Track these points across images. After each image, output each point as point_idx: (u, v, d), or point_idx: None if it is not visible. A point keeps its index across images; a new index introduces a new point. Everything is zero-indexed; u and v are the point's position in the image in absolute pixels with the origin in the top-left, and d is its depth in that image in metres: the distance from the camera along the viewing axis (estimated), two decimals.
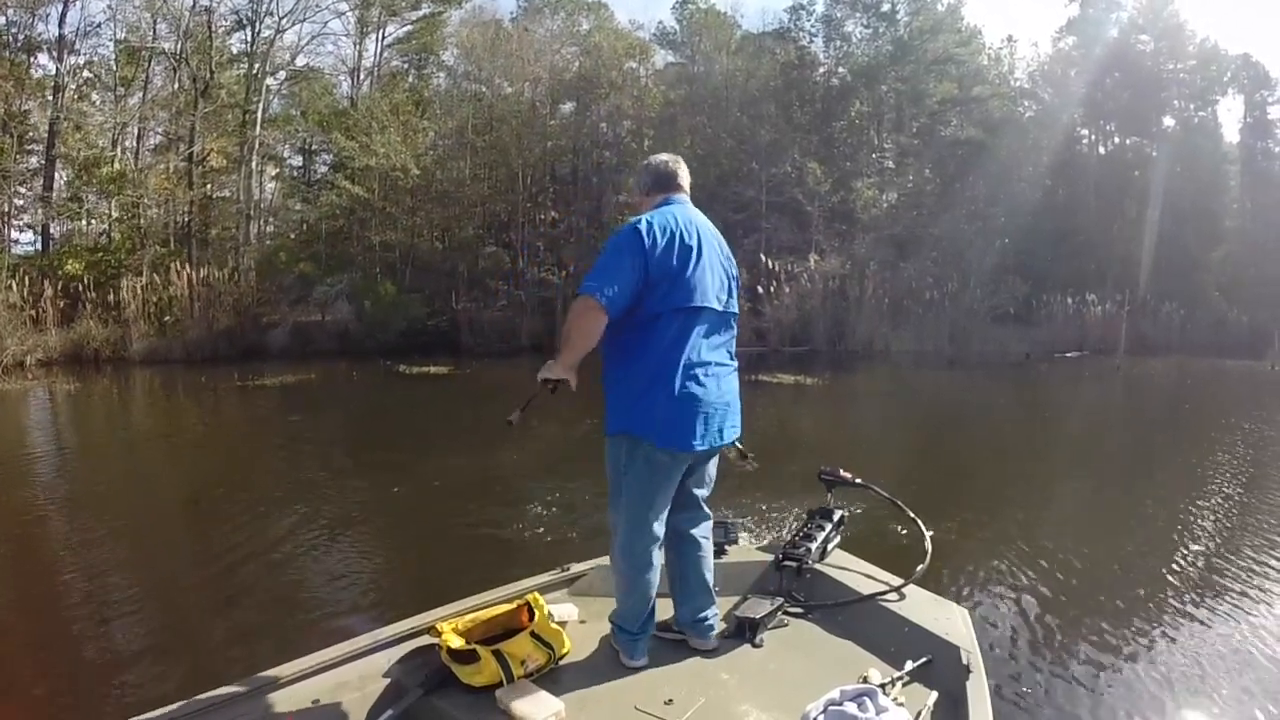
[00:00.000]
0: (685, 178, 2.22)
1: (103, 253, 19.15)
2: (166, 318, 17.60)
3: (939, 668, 2.08)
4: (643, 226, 1.98)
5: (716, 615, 2.30)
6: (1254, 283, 25.64)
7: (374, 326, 18.42)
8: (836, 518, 2.85)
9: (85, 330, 16.77)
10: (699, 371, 2.03)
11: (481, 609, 2.28)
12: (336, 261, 20.10)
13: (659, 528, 2.14)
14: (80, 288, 17.24)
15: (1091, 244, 24.46)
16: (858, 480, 2.90)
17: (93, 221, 21.15)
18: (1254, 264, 26.14)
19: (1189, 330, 24.07)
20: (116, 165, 20.53)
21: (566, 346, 1.97)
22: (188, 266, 18.19)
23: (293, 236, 22.63)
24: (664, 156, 2.25)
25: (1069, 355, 20.95)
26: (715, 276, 2.09)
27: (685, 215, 2.09)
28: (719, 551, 2.62)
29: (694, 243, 2.04)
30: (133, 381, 14.93)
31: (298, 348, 18.16)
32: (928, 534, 2.79)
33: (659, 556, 2.19)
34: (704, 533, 2.30)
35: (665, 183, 2.18)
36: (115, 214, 20.43)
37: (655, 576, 2.17)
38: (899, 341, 20.52)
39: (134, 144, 21.67)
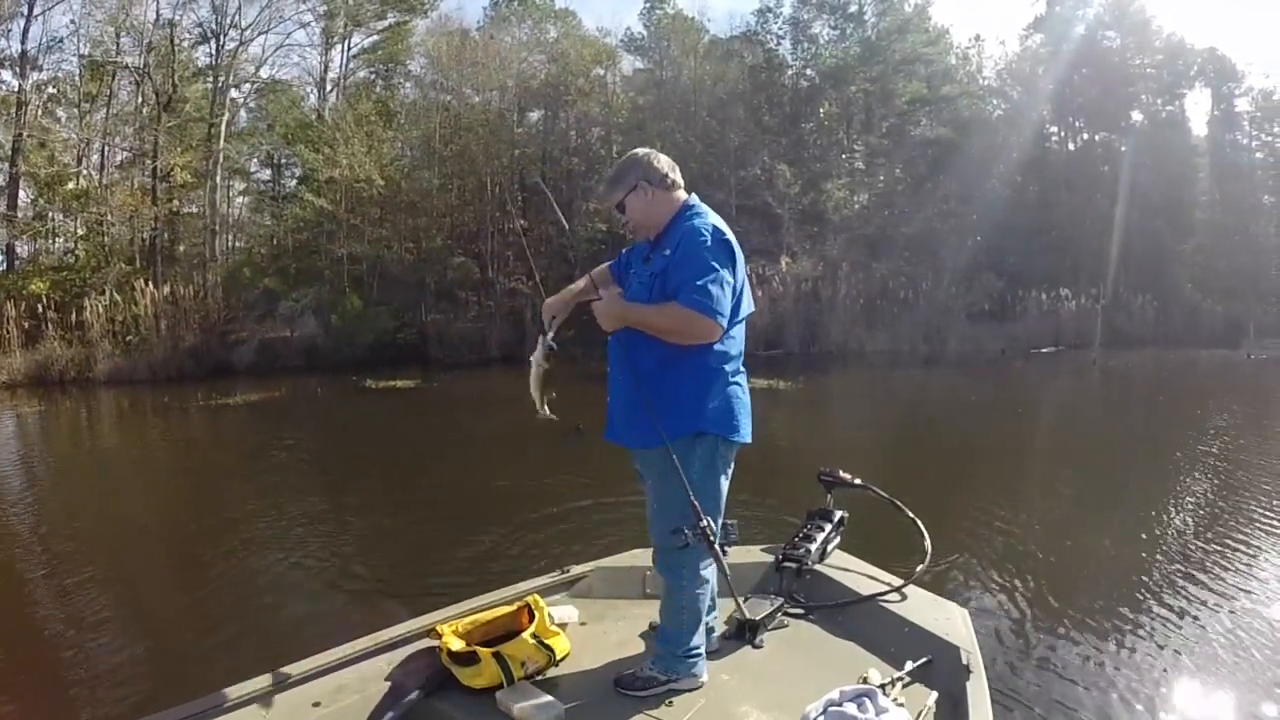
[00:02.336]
0: (668, 166, 2.16)
1: (67, 271, 18.87)
2: (130, 337, 17.32)
3: (939, 668, 2.08)
4: (729, 237, 2.01)
5: (717, 617, 2.31)
6: (1225, 273, 25.91)
7: (341, 341, 18.15)
8: (836, 519, 2.86)
9: (49, 351, 16.47)
10: (744, 369, 2.12)
11: (481, 611, 2.30)
12: (303, 275, 19.84)
13: None
14: (42, 307, 16.97)
15: (1064, 239, 24.61)
16: (857, 481, 2.89)
17: (58, 239, 20.87)
18: (1225, 255, 26.41)
19: (1163, 322, 24.26)
20: (81, 182, 20.28)
21: (648, 323, 2.00)
22: (150, 285, 17.92)
23: (261, 251, 22.38)
24: (635, 155, 2.15)
25: (1044, 351, 21.02)
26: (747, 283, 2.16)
27: (719, 218, 2.10)
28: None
29: (740, 249, 2.08)
30: (97, 403, 14.64)
31: (265, 364, 17.87)
32: (927, 534, 2.79)
33: None
34: None
35: (678, 180, 2.12)
36: (81, 231, 20.17)
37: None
38: (873, 342, 20.50)
39: (99, 160, 21.42)
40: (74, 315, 17.02)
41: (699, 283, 1.91)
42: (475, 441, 9.51)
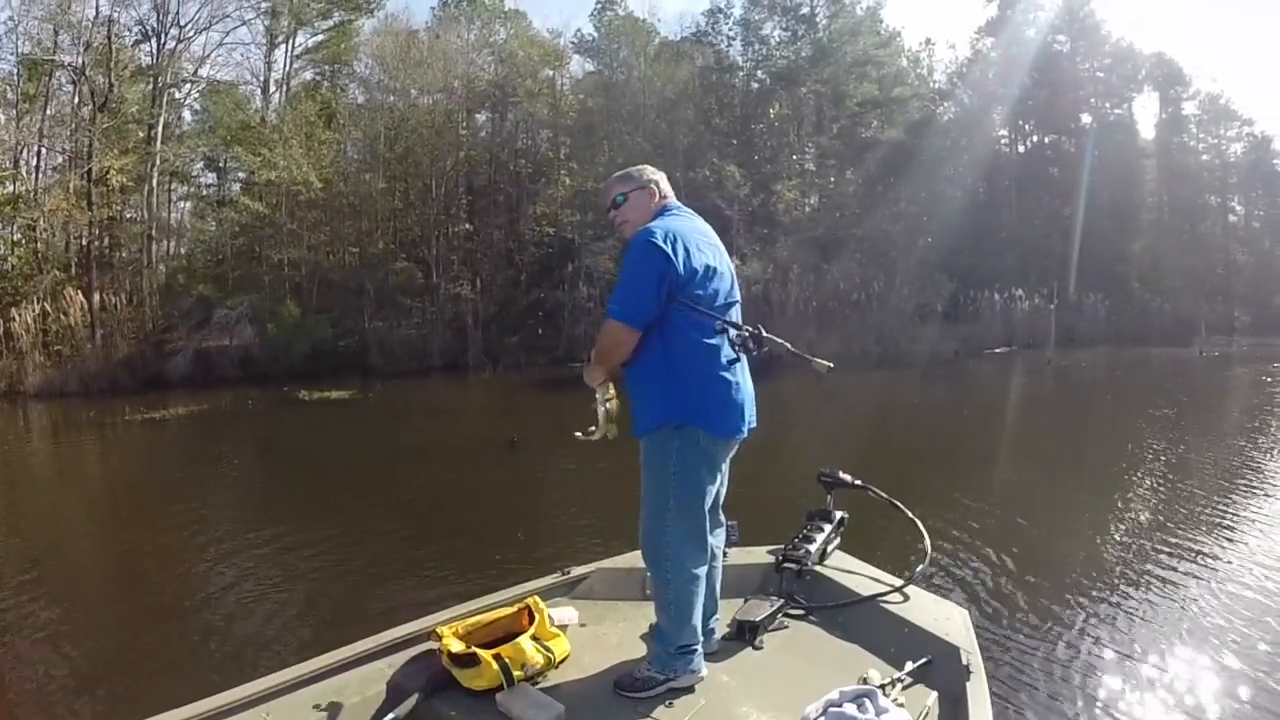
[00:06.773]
0: (667, 183, 2.26)
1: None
2: (58, 348, 16.79)
3: (939, 668, 2.08)
4: (658, 238, 1.99)
5: (718, 619, 2.33)
6: (1173, 273, 26.43)
7: (277, 350, 17.65)
8: (836, 519, 2.86)
9: None
10: (730, 362, 2.08)
11: (482, 613, 2.30)
12: (241, 282, 19.31)
13: (708, 527, 2.15)
14: None
15: (1015, 240, 24.86)
16: (857, 482, 2.87)
17: None
18: (1172, 254, 26.93)
19: (1114, 321, 24.63)
20: (17, 186, 19.62)
21: (600, 362, 2.09)
22: (80, 293, 17.38)
23: (200, 256, 21.81)
24: (643, 167, 2.26)
25: (998, 351, 21.17)
26: (728, 274, 2.15)
27: (691, 216, 2.16)
28: None
29: (709, 243, 2.10)
30: (23, 418, 14.15)
31: (200, 375, 17.32)
32: (926, 535, 2.81)
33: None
34: (719, 541, 2.29)
35: (658, 185, 2.19)
36: (17, 237, 19.52)
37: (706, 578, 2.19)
38: (825, 344, 20.33)
39: (36, 163, 20.73)
40: (3, 326, 16.48)
41: (615, 292, 2.02)
42: (404, 455, 9.28)
